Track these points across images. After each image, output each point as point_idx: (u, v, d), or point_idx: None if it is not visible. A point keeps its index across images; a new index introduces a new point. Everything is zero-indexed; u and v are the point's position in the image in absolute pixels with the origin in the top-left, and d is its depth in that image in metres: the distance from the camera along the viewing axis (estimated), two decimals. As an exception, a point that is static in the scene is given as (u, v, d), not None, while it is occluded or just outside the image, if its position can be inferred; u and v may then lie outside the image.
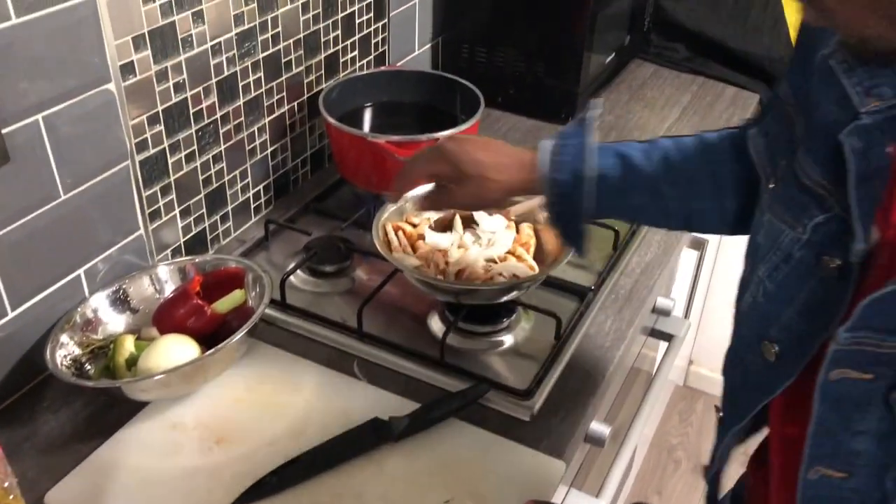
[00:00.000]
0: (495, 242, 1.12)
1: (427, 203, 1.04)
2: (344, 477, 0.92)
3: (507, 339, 1.11)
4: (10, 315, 0.98)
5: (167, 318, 1.04)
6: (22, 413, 1.00)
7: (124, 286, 1.08)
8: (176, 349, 0.98)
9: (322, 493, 0.90)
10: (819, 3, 0.48)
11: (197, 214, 1.23)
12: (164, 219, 1.17)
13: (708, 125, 1.69)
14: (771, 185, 0.67)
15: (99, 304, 1.06)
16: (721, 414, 0.80)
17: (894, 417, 0.53)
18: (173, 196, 1.17)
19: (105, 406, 1.01)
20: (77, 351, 1.01)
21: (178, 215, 1.20)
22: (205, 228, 1.26)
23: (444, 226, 1.18)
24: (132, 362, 0.99)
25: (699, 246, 1.54)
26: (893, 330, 0.52)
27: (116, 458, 0.93)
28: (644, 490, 2.14)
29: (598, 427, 1.09)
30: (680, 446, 2.30)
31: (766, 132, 0.72)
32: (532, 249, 1.14)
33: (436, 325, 1.14)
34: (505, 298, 1.07)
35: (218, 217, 1.28)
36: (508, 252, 1.12)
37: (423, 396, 1.03)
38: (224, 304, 1.05)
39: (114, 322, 1.06)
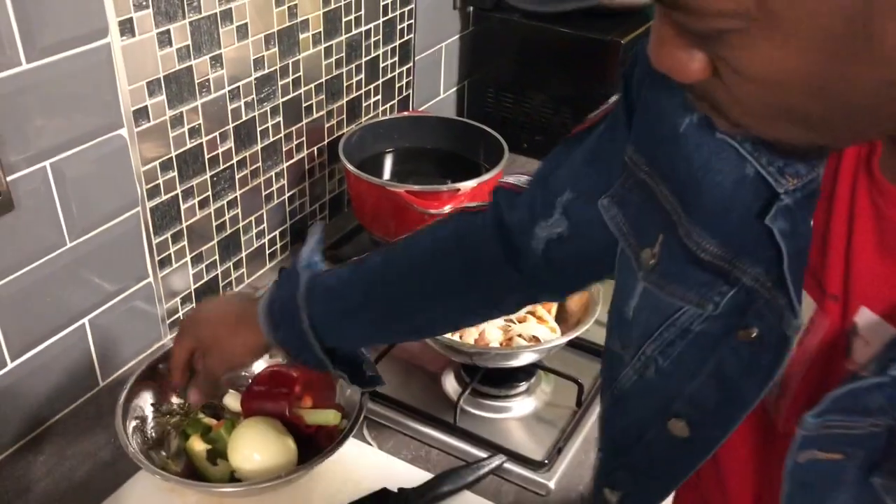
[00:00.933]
0: (515, 301, 1.08)
1: (194, 392, 0.94)
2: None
3: (526, 404, 1.06)
4: (10, 365, 0.95)
5: (256, 401, 0.95)
6: (15, 469, 0.96)
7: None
8: (272, 447, 0.89)
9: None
10: (727, 116, 0.46)
11: (209, 261, 1.20)
12: (175, 266, 1.14)
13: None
14: (652, 262, 0.61)
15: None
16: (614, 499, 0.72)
17: (875, 501, 0.51)
18: (185, 242, 1.14)
19: (103, 465, 0.97)
20: (148, 413, 0.95)
21: (188, 262, 1.16)
22: (217, 275, 1.23)
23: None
24: (214, 442, 0.93)
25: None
26: (864, 411, 0.49)
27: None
28: None
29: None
30: None
31: (622, 202, 0.64)
32: (554, 310, 1.09)
33: (450, 385, 1.08)
34: (523, 362, 1.02)
35: (231, 263, 1.25)
36: (528, 312, 1.07)
37: (435, 463, 0.98)
38: (315, 417, 0.93)
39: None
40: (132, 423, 0.91)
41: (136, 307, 1.09)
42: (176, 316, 1.17)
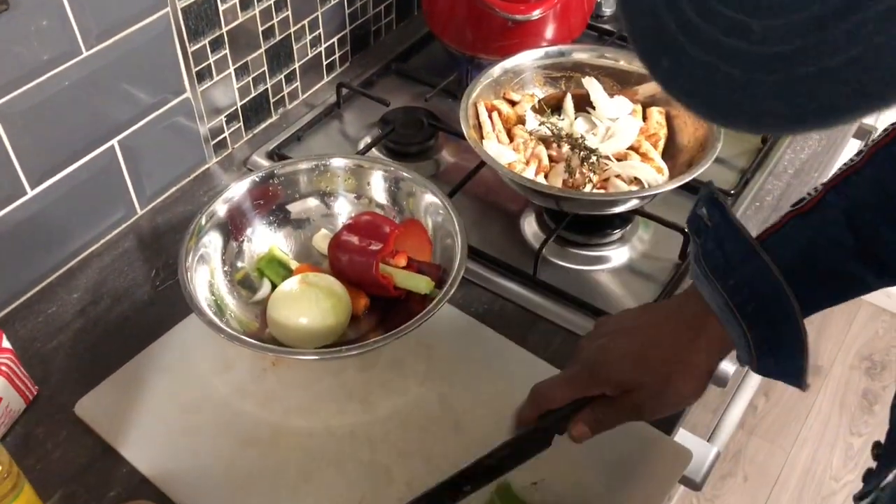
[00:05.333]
0: (615, 134, 0.88)
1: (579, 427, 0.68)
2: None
3: (620, 255, 0.90)
4: (30, 193, 0.83)
5: (343, 250, 0.82)
6: (47, 307, 0.87)
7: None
8: (326, 309, 0.77)
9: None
10: None
11: (256, 73, 1.04)
12: (216, 78, 0.98)
13: None
14: None
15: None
16: (878, 451, 0.63)
17: None
18: (226, 51, 0.97)
19: (146, 303, 0.87)
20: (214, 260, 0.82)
21: (232, 74, 1.00)
22: (266, 90, 1.07)
23: (553, 106, 0.94)
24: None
25: (865, 135, 1.25)
26: None
27: (157, 367, 0.80)
28: (736, 433, 1.95)
29: (723, 364, 0.89)
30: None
31: None
32: (661, 145, 0.90)
33: (531, 230, 0.93)
34: (621, 209, 0.85)
35: (282, 76, 1.08)
36: (631, 147, 0.88)
37: (509, 319, 0.85)
38: (406, 281, 0.80)
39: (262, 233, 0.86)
40: (194, 269, 0.79)
41: (173, 125, 0.95)
42: (221, 136, 1.03)
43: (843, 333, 2.10)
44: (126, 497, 0.70)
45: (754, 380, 1.01)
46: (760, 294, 0.58)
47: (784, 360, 0.60)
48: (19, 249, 0.85)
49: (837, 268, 0.61)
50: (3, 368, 0.73)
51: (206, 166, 1.03)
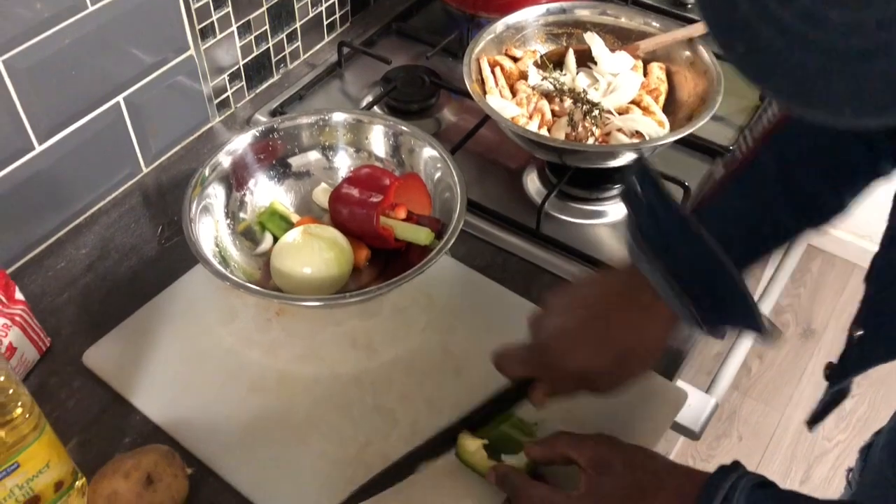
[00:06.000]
0: (617, 88, 0.90)
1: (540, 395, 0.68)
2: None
3: (621, 209, 0.92)
4: (38, 149, 0.84)
5: (344, 203, 0.83)
6: (56, 262, 0.88)
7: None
8: (331, 257, 0.79)
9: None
10: None
11: (258, 32, 1.04)
12: (219, 36, 0.98)
13: None
14: None
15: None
16: (856, 334, 0.63)
17: None
18: (229, 9, 0.98)
19: (153, 258, 0.88)
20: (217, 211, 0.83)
21: (235, 32, 1.00)
22: (268, 48, 1.07)
23: (555, 61, 0.95)
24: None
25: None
26: None
27: (163, 318, 0.81)
28: (731, 395, 1.98)
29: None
30: (789, 308, 2.10)
31: None
32: (662, 99, 0.91)
33: (533, 185, 0.94)
34: (622, 162, 0.86)
35: (284, 35, 1.08)
36: (632, 102, 0.89)
37: (512, 272, 0.86)
38: (406, 233, 0.81)
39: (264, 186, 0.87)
40: (198, 220, 0.80)
41: (177, 84, 0.96)
42: (224, 95, 1.04)
43: (835, 298, 2.12)
44: (140, 443, 0.72)
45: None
46: (700, 269, 0.59)
47: (736, 321, 0.61)
48: (29, 205, 0.86)
49: (770, 223, 0.63)
50: (17, 319, 0.75)
51: (210, 125, 1.04)
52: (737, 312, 0.61)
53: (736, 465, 0.57)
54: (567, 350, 0.63)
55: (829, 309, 2.10)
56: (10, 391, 0.56)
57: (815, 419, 0.74)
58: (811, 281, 2.17)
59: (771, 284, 1.04)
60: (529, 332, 0.67)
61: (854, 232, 2.14)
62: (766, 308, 1.03)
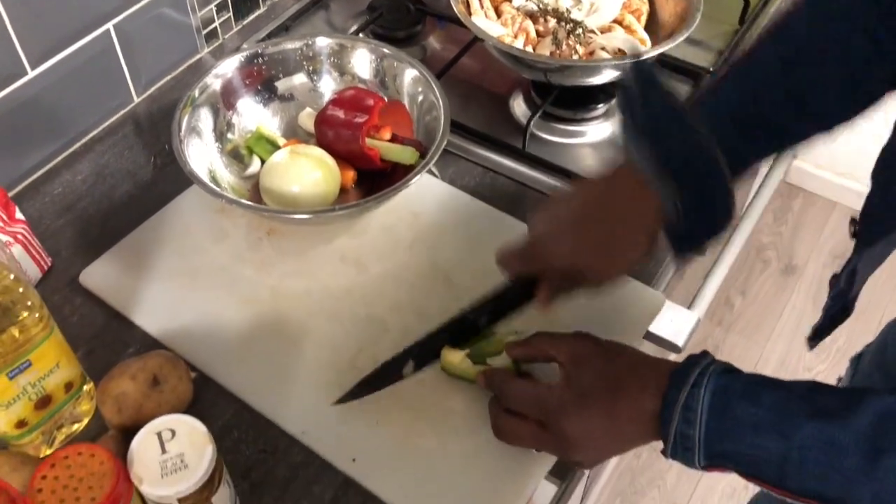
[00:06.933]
0: (599, 8, 0.91)
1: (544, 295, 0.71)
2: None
3: (603, 129, 0.94)
4: (31, 74, 0.85)
5: (330, 125, 0.85)
6: (53, 187, 0.90)
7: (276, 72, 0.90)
8: (317, 174, 0.81)
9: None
10: None
11: (245, -38, 1.05)
12: (206, -34, 0.99)
13: None
14: None
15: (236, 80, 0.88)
16: (855, 228, 0.68)
17: None
18: (215, -62, 0.99)
19: (147, 184, 0.90)
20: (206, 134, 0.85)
21: (221, -38, 1.01)
22: (254, -20, 1.08)
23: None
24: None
25: None
26: None
27: (157, 238, 0.84)
28: (727, 290, 2.03)
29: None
30: (771, 246, 2.15)
31: None
32: (644, 18, 0.93)
33: (519, 108, 0.97)
34: (605, 79, 0.88)
35: (269, -34, 1.09)
36: (615, 21, 0.91)
37: (500, 191, 0.89)
38: (391, 153, 0.83)
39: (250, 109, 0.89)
40: (188, 142, 0.82)
41: (165, 14, 0.97)
42: (212, 26, 1.05)
43: (816, 235, 2.17)
44: (143, 352, 0.75)
45: (734, 248, 1.06)
46: (692, 162, 0.61)
47: (712, 227, 0.64)
48: (24, 131, 0.87)
49: (768, 120, 0.64)
50: (19, 237, 0.77)
51: (199, 56, 1.05)
52: (716, 211, 0.63)
53: (705, 353, 0.60)
54: (558, 243, 0.66)
55: (810, 246, 2.14)
56: (20, 290, 0.59)
57: (816, 335, 0.77)
58: (792, 219, 2.21)
59: (743, 221, 1.07)
60: (528, 229, 0.70)
61: (834, 170, 2.18)
62: (738, 242, 1.06)
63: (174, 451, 0.55)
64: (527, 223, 0.71)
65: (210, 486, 0.56)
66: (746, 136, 0.65)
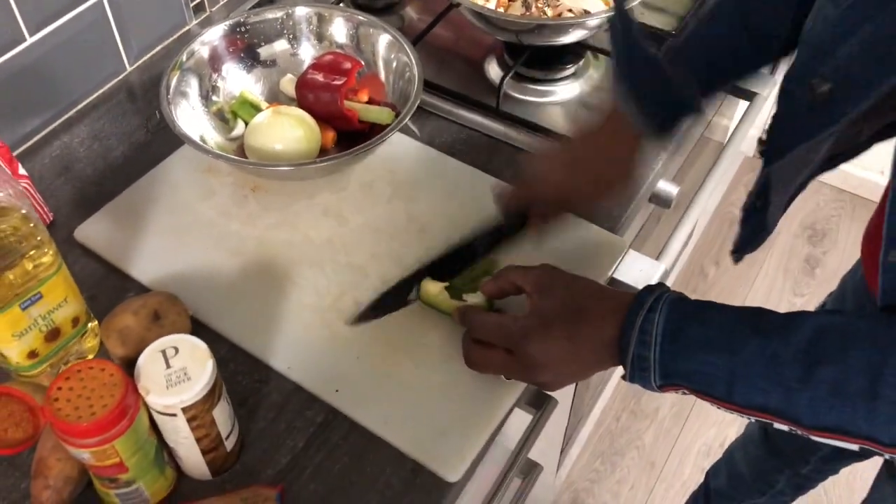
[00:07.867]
0: (565, -27, 0.97)
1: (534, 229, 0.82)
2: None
3: (572, 89, 1.00)
4: (29, 40, 0.90)
5: (310, 89, 0.90)
6: (51, 150, 0.95)
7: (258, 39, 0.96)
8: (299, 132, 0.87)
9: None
10: None
11: (229, -64, 1.10)
12: (192, -60, 1.04)
13: None
14: None
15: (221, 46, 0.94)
16: (763, 147, 0.76)
17: None
18: (200, -88, 1.03)
19: (139, 146, 0.95)
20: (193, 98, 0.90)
21: (207, -64, 1.06)
22: (238, -48, 1.13)
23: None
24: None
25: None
26: None
27: (149, 197, 0.89)
28: (701, 260, 2.10)
29: (666, 186, 1.00)
30: (744, 217, 2.22)
31: None
32: (607, -17, 0.99)
33: (493, 70, 1.02)
34: (573, 38, 0.94)
35: (253, -60, 1.14)
36: (579, -15, 0.97)
37: (476, 147, 0.94)
38: (369, 114, 0.89)
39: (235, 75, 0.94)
40: (176, 103, 0.87)
41: (157, -15, 1.02)
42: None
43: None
44: (141, 297, 0.80)
45: (700, 202, 1.12)
46: (660, 92, 0.72)
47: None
48: (22, 96, 0.92)
49: (730, 54, 0.75)
50: (22, 189, 0.81)
51: (187, 27, 1.10)
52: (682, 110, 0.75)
53: (660, 284, 0.66)
54: (550, 175, 0.76)
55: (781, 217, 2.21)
56: (31, 225, 0.64)
57: (737, 249, 0.83)
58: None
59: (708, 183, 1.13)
60: (523, 169, 0.79)
61: (805, 143, 2.24)
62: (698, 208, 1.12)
63: (178, 365, 0.60)
64: (520, 165, 0.81)
65: (211, 397, 0.61)
66: (716, 65, 0.76)
